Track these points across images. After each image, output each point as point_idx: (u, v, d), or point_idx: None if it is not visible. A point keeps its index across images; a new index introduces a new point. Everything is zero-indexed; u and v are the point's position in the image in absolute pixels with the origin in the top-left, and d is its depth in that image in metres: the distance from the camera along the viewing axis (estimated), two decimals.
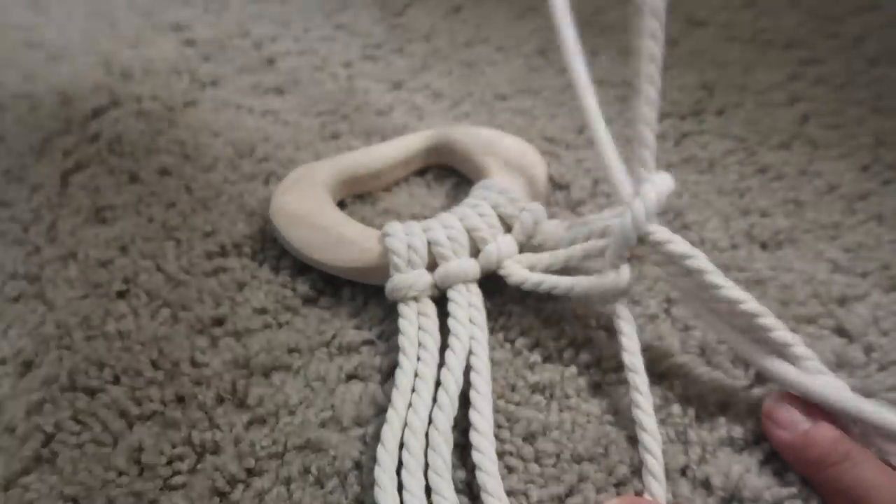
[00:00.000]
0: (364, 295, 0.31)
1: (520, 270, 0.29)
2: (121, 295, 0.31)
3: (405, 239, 0.29)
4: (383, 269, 0.29)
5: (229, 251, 0.33)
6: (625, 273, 0.26)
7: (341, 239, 0.30)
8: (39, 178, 0.38)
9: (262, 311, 0.30)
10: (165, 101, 0.43)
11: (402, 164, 0.36)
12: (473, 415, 0.25)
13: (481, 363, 0.26)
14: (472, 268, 0.29)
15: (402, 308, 0.28)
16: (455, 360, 0.26)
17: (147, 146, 0.40)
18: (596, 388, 0.27)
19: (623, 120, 0.41)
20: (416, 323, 0.28)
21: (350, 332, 0.29)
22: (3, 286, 0.32)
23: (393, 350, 0.29)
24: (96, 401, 0.27)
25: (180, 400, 0.27)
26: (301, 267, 0.32)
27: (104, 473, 0.25)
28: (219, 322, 0.30)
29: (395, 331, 0.29)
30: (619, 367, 0.27)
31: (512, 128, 0.40)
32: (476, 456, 0.24)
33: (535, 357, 0.28)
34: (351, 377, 0.28)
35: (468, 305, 0.28)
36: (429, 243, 0.29)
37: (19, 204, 0.36)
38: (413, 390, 0.25)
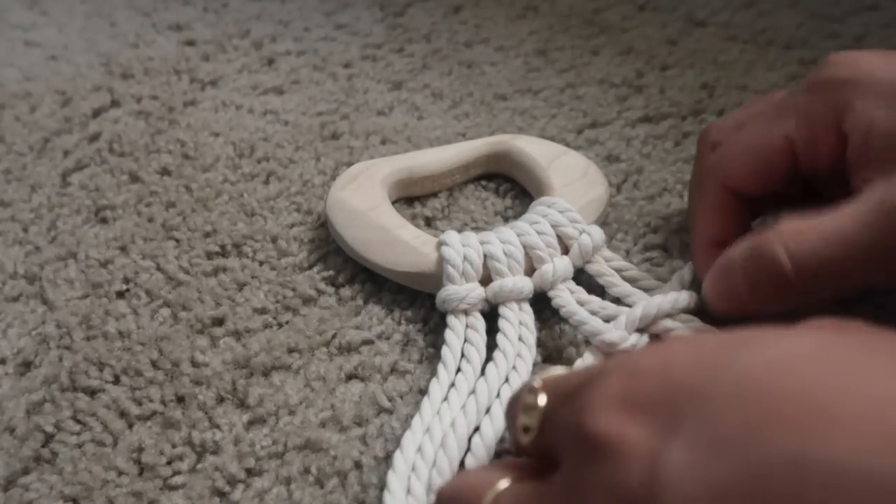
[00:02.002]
0: (364, 295, 0.31)
1: (571, 301, 0.28)
2: (121, 295, 0.31)
3: (461, 250, 0.28)
4: (437, 277, 0.29)
5: (229, 251, 0.33)
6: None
7: (398, 242, 0.30)
8: (39, 178, 0.38)
9: (262, 311, 0.30)
10: (165, 101, 0.43)
11: (462, 169, 0.35)
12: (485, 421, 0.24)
13: (520, 381, 0.26)
14: (527, 287, 0.28)
15: (450, 319, 0.28)
16: (496, 373, 0.26)
17: (147, 146, 0.40)
18: None
19: (623, 120, 0.41)
20: (462, 336, 0.27)
21: (350, 332, 0.29)
22: (3, 286, 0.32)
23: (393, 351, 0.29)
24: (96, 401, 0.27)
25: (180, 400, 0.27)
26: (301, 267, 0.32)
27: (104, 473, 0.25)
28: (219, 322, 0.30)
29: (395, 332, 0.29)
30: None
31: (512, 128, 0.40)
32: (468, 460, 0.23)
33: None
34: (351, 377, 0.28)
35: (519, 324, 0.27)
36: (485, 256, 0.28)
37: (19, 204, 0.36)
38: (445, 399, 0.25)
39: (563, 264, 0.29)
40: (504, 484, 0.19)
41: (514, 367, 0.26)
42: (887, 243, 0.21)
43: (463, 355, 0.27)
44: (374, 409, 0.26)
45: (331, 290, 0.31)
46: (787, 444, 0.12)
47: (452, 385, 0.26)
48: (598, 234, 0.30)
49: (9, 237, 0.34)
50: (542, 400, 0.19)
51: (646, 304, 0.27)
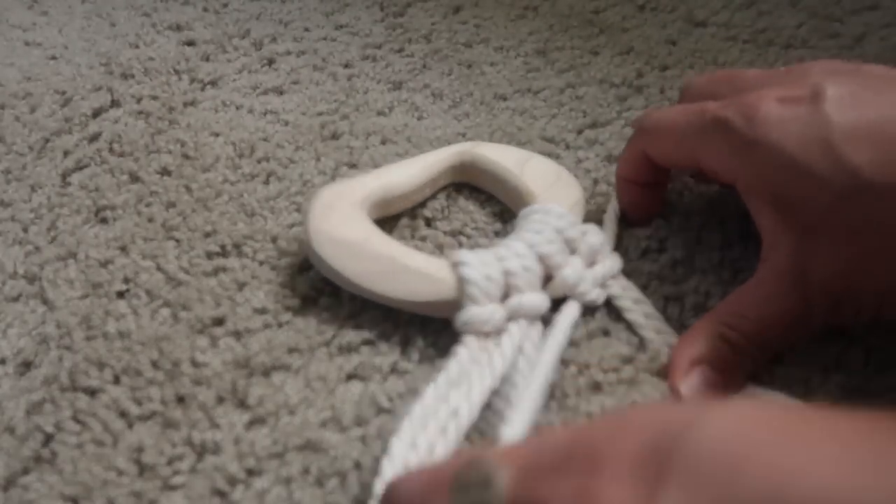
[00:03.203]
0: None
1: (597, 291, 0.29)
2: (121, 295, 0.31)
3: (482, 269, 0.27)
4: (457, 302, 0.27)
5: (229, 251, 0.33)
6: None
7: (408, 270, 0.28)
8: (39, 178, 0.38)
9: (262, 311, 0.30)
10: (165, 101, 0.43)
11: (430, 183, 0.34)
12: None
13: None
14: (543, 303, 0.28)
15: (468, 338, 0.26)
16: (478, 391, 0.25)
17: (147, 146, 0.40)
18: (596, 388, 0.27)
19: (623, 120, 0.41)
20: (475, 357, 0.26)
21: (350, 332, 0.29)
22: (3, 286, 0.32)
23: (393, 351, 0.29)
24: (96, 401, 0.27)
25: (180, 400, 0.27)
26: (301, 267, 0.32)
27: (104, 473, 0.25)
28: (219, 322, 0.30)
29: (395, 332, 0.29)
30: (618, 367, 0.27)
31: (512, 127, 0.40)
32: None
33: None
34: (351, 377, 0.28)
35: (524, 341, 0.27)
36: (504, 273, 0.27)
37: (19, 204, 0.36)
38: (435, 413, 0.25)
39: (578, 265, 0.29)
40: None
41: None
42: (801, 308, 0.25)
43: (468, 375, 0.26)
44: (374, 409, 0.26)
45: (331, 290, 0.31)
46: (762, 486, 0.14)
47: (444, 400, 0.25)
48: (599, 234, 0.30)
49: (9, 237, 0.34)
50: (501, 475, 0.17)
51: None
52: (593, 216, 0.34)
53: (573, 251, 0.29)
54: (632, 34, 0.50)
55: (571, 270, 0.28)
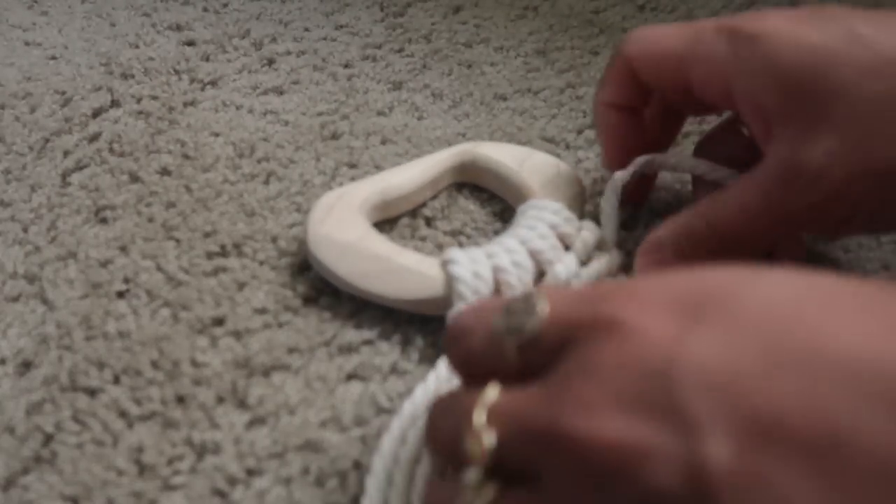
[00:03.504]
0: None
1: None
2: (121, 295, 0.31)
3: (470, 266, 0.27)
4: (447, 300, 0.28)
5: (229, 251, 0.33)
6: None
7: (401, 269, 0.29)
8: (39, 178, 0.38)
9: (262, 311, 0.30)
10: (165, 101, 0.43)
11: (431, 184, 0.35)
12: None
13: None
14: None
15: None
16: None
17: (147, 146, 0.40)
18: None
19: None
20: None
21: (350, 332, 0.29)
22: (3, 286, 0.32)
23: (393, 351, 0.29)
24: (96, 401, 0.27)
25: (180, 400, 0.27)
26: (301, 267, 0.32)
27: (104, 473, 0.25)
28: (219, 322, 0.30)
29: (395, 332, 0.29)
30: None
31: (512, 127, 0.40)
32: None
33: None
34: (351, 377, 0.28)
35: None
36: (494, 270, 0.28)
37: (19, 204, 0.36)
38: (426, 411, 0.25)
39: (572, 262, 0.29)
40: (493, 392, 0.17)
41: None
42: (787, 208, 0.24)
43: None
44: (374, 409, 0.26)
45: (331, 290, 0.31)
46: (803, 342, 0.14)
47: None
48: (595, 230, 0.30)
49: (9, 237, 0.34)
50: (542, 306, 0.18)
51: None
52: (592, 216, 0.34)
53: (568, 247, 0.29)
54: None
55: (563, 267, 0.28)
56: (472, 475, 0.17)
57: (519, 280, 0.28)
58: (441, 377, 0.26)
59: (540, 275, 0.29)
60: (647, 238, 0.28)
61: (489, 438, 0.17)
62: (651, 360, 0.15)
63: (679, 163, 0.30)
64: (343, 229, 0.30)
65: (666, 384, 0.15)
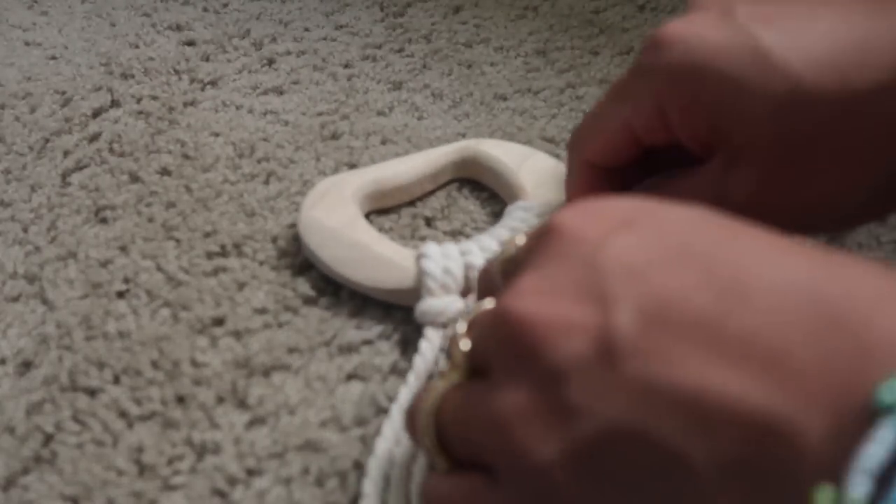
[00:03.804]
0: (364, 295, 0.31)
1: None
2: (121, 295, 0.31)
3: (441, 262, 0.28)
4: (418, 292, 0.28)
5: (229, 251, 0.33)
6: None
7: (377, 258, 0.29)
8: (39, 178, 0.38)
9: (262, 311, 0.30)
10: (165, 101, 0.43)
11: (430, 177, 0.35)
12: None
13: None
14: None
15: (427, 331, 0.27)
16: None
17: (147, 146, 0.40)
18: None
19: None
20: (437, 346, 0.27)
21: (350, 332, 0.29)
22: (3, 286, 0.32)
23: (393, 351, 0.29)
24: (96, 401, 0.27)
25: (180, 400, 0.27)
26: (301, 267, 0.32)
27: (104, 473, 0.25)
28: (219, 322, 0.30)
29: (395, 332, 0.29)
30: None
31: (512, 127, 0.40)
32: None
33: None
34: (351, 377, 0.28)
35: None
36: (465, 267, 0.28)
37: (19, 204, 0.36)
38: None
39: None
40: (445, 384, 0.20)
41: None
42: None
43: (436, 366, 0.26)
44: (374, 409, 0.26)
45: (331, 289, 0.31)
46: (704, 247, 0.17)
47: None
48: None
49: (9, 237, 0.34)
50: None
51: None
52: None
53: None
54: (632, 34, 0.50)
55: None
56: (441, 382, 0.20)
57: None
58: (420, 377, 0.26)
59: None
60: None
61: (463, 343, 0.20)
62: (580, 251, 0.18)
63: None
64: (331, 215, 0.31)
65: (589, 269, 0.17)
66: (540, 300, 0.18)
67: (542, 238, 0.20)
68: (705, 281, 0.16)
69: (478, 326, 0.20)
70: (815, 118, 0.22)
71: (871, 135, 0.22)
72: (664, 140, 0.26)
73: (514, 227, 0.29)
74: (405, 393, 0.25)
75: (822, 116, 0.22)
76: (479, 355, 0.20)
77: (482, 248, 0.28)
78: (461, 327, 0.20)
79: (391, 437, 0.24)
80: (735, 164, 0.24)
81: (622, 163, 0.27)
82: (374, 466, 0.23)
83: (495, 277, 0.22)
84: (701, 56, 0.23)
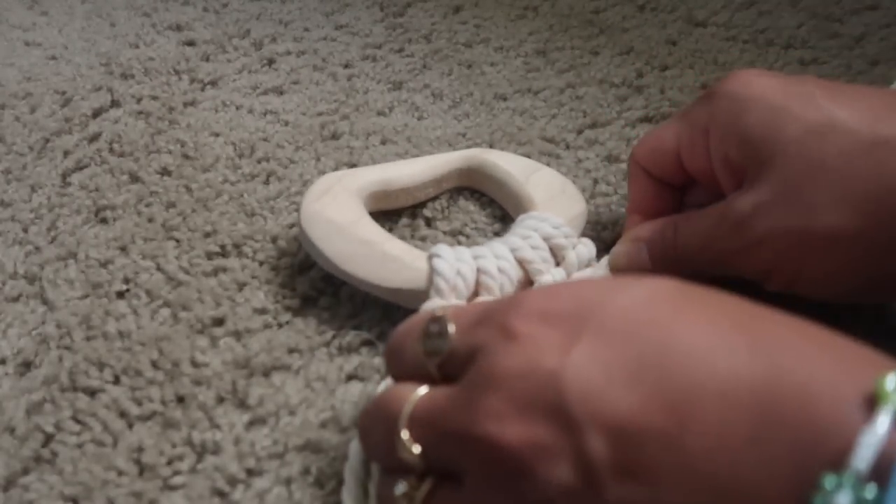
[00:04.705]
0: (364, 295, 0.31)
1: None
2: (121, 295, 0.31)
3: (455, 264, 0.27)
4: (427, 292, 0.27)
5: (229, 251, 0.33)
6: None
7: (386, 256, 0.29)
8: (39, 178, 0.38)
9: (262, 311, 0.30)
10: (165, 101, 0.43)
11: (434, 182, 0.34)
12: None
13: None
14: None
15: None
16: None
17: (147, 146, 0.40)
18: None
19: (623, 120, 0.41)
20: None
21: (350, 332, 0.29)
22: (3, 286, 0.32)
23: None
24: (96, 401, 0.27)
25: (180, 400, 0.27)
26: (301, 267, 0.32)
27: (104, 473, 0.25)
28: (219, 322, 0.30)
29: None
30: None
31: (512, 127, 0.40)
32: None
33: None
34: (351, 377, 0.28)
35: None
36: (478, 272, 0.27)
37: (19, 204, 0.36)
38: None
39: (561, 276, 0.29)
40: (422, 391, 0.20)
41: None
42: (715, 247, 0.26)
43: None
44: None
45: (331, 290, 0.31)
46: (655, 346, 0.18)
47: None
48: (591, 246, 0.30)
49: (9, 237, 0.34)
50: (451, 327, 0.21)
51: None
52: (592, 216, 0.34)
53: (560, 262, 0.29)
54: (632, 34, 0.50)
55: (550, 278, 0.28)
56: (401, 487, 0.20)
57: (500, 287, 0.27)
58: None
59: (528, 283, 0.28)
60: (630, 231, 0.29)
61: (415, 448, 0.19)
62: (541, 370, 0.18)
63: None
64: (336, 210, 0.30)
65: (554, 393, 0.17)
66: (515, 425, 0.18)
67: (493, 342, 0.19)
68: (658, 393, 0.17)
69: (432, 431, 0.19)
70: (840, 147, 0.23)
71: (888, 175, 0.23)
72: (700, 167, 0.28)
73: (525, 236, 0.29)
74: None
75: (846, 146, 0.23)
76: (441, 460, 0.19)
77: (496, 255, 0.28)
78: (405, 434, 0.20)
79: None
80: (752, 183, 0.25)
81: (668, 177, 0.30)
82: (350, 475, 0.23)
83: (432, 371, 0.21)
84: (759, 90, 0.26)
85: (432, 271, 0.27)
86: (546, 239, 0.29)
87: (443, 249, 0.28)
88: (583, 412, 0.17)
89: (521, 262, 0.28)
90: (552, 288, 0.21)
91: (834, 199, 0.24)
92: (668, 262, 0.28)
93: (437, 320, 0.21)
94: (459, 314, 0.21)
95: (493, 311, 0.20)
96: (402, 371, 0.22)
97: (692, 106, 0.28)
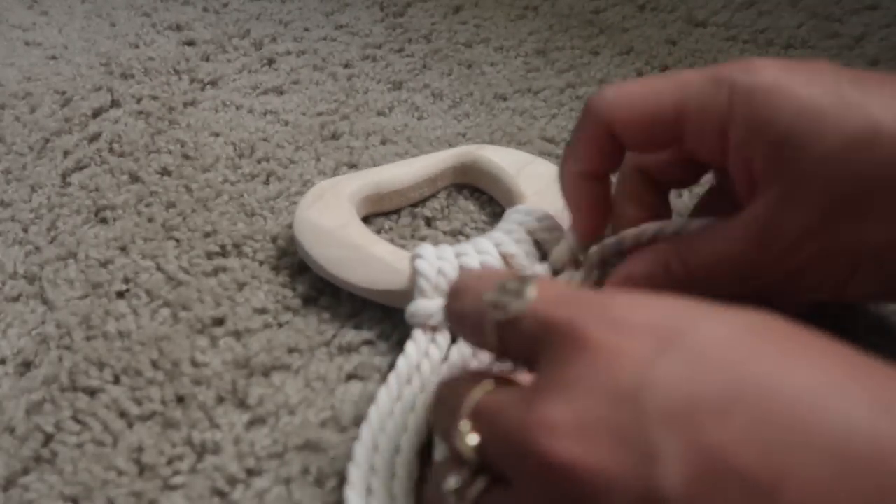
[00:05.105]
0: None
1: None
2: (121, 295, 0.31)
3: (436, 263, 0.27)
4: (412, 294, 0.28)
5: (229, 251, 0.33)
6: None
7: (372, 259, 0.29)
8: (39, 178, 0.38)
9: (262, 311, 0.30)
10: (165, 101, 0.43)
11: (429, 181, 0.35)
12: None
13: None
14: None
15: (416, 332, 0.27)
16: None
17: (147, 146, 0.40)
18: None
19: None
20: (423, 350, 0.27)
21: (350, 332, 0.29)
22: (3, 286, 0.32)
23: (393, 351, 0.29)
24: (96, 401, 0.27)
25: (180, 400, 0.27)
26: (301, 267, 0.32)
27: (104, 473, 0.25)
28: (219, 322, 0.30)
29: (394, 332, 0.29)
30: None
31: (512, 127, 0.40)
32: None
33: None
34: (351, 377, 0.28)
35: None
36: (460, 269, 0.28)
37: (19, 204, 0.36)
38: (391, 413, 0.25)
39: (545, 271, 0.28)
40: (487, 387, 0.19)
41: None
42: (761, 268, 0.23)
43: (418, 368, 0.26)
44: None
45: (331, 290, 0.31)
46: (758, 382, 0.15)
47: (398, 398, 0.25)
48: (576, 240, 0.29)
49: (9, 237, 0.34)
50: (531, 292, 0.19)
51: None
52: None
53: (545, 255, 0.29)
54: (632, 34, 0.50)
55: (533, 273, 0.28)
56: (453, 481, 0.18)
57: None
58: (402, 379, 0.26)
59: None
60: (619, 272, 0.26)
61: (471, 439, 0.18)
62: (619, 384, 0.16)
63: (643, 232, 0.27)
64: (327, 215, 0.31)
65: (632, 411, 0.15)
66: (577, 444, 0.16)
67: (568, 343, 0.17)
68: (756, 431, 0.14)
69: (491, 429, 0.18)
70: (884, 165, 0.21)
71: None
72: (710, 158, 0.25)
73: (509, 231, 0.29)
74: (384, 395, 0.25)
75: (888, 164, 0.21)
76: (491, 461, 0.18)
77: (478, 251, 0.28)
78: (464, 425, 0.18)
79: (370, 441, 0.24)
80: (793, 198, 0.22)
81: (649, 147, 0.26)
82: (355, 473, 0.23)
83: (487, 329, 0.20)
84: (785, 86, 0.22)
85: (414, 272, 0.28)
86: (531, 233, 0.29)
87: (425, 249, 0.28)
88: (663, 436, 0.15)
89: (504, 257, 0.28)
90: (639, 296, 0.18)
91: (885, 214, 0.22)
92: (673, 290, 0.25)
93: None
94: (546, 287, 0.19)
95: (576, 300, 0.18)
96: (458, 321, 0.21)
97: (699, 89, 0.24)
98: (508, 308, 0.19)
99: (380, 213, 0.34)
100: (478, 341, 0.20)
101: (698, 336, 0.16)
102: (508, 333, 0.19)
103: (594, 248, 0.27)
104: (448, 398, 0.20)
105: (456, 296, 0.21)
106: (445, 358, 0.27)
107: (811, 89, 0.22)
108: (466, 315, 0.20)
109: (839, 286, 0.24)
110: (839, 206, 0.22)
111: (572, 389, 0.16)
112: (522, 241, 0.29)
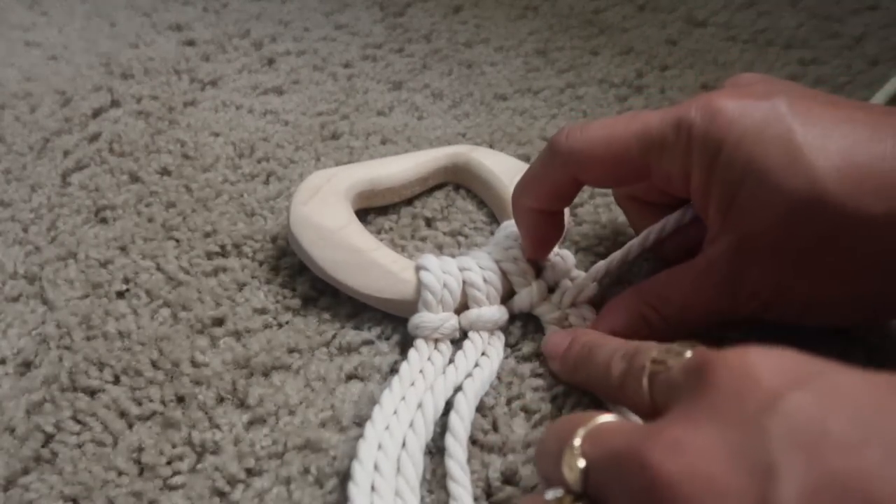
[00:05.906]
0: None
1: (552, 313, 0.29)
2: (121, 295, 0.31)
3: (442, 277, 0.28)
4: (416, 303, 0.28)
5: (229, 251, 0.33)
6: None
7: (374, 265, 0.29)
8: (39, 178, 0.38)
9: (262, 311, 0.30)
10: (165, 101, 0.43)
11: (421, 180, 0.35)
12: (448, 438, 0.24)
13: (464, 405, 0.25)
14: (502, 317, 0.28)
15: (418, 342, 0.27)
16: (442, 386, 0.26)
17: (147, 146, 0.40)
18: None
19: None
20: (426, 356, 0.27)
21: (350, 332, 0.29)
22: (3, 286, 0.32)
23: (393, 351, 0.29)
24: (96, 401, 0.27)
25: (180, 400, 0.27)
26: (301, 267, 0.32)
27: (104, 473, 0.25)
28: (219, 322, 0.30)
29: (394, 332, 0.29)
30: None
31: (512, 127, 0.40)
32: (451, 486, 0.23)
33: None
34: (351, 377, 0.28)
35: (482, 353, 0.27)
36: (464, 283, 0.28)
37: (19, 204, 0.36)
38: (395, 412, 0.25)
39: (540, 287, 0.29)
40: (602, 419, 0.19)
41: (460, 388, 0.26)
42: (725, 304, 0.25)
43: (421, 371, 0.26)
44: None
45: (331, 290, 0.31)
46: (889, 412, 0.14)
47: (403, 399, 0.25)
48: (570, 257, 0.30)
49: (9, 237, 0.34)
50: (689, 354, 0.19)
51: None
52: (591, 216, 0.34)
53: (539, 272, 0.30)
54: (632, 34, 0.50)
55: (527, 293, 0.29)
56: (552, 494, 0.18)
57: (487, 297, 0.28)
58: (404, 383, 0.26)
59: (511, 293, 0.29)
60: (600, 325, 0.27)
61: (580, 461, 0.18)
62: (745, 408, 0.15)
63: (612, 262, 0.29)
64: (326, 214, 0.30)
65: (753, 430, 0.15)
66: (691, 462, 0.15)
67: (703, 378, 0.17)
68: (890, 465, 0.14)
69: (602, 449, 0.18)
70: (826, 227, 0.22)
71: (871, 254, 0.22)
72: (678, 194, 0.26)
73: (507, 247, 0.29)
74: (388, 398, 0.25)
75: (832, 227, 0.22)
76: (595, 489, 0.18)
77: (481, 267, 0.28)
78: (577, 442, 0.18)
79: (374, 440, 0.24)
80: (749, 252, 0.24)
81: (621, 181, 0.28)
82: (360, 472, 0.23)
83: (641, 387, 0.20)
84: (737, 133, 0.23)
85: (420, 284, 0.28)
86: (524, 251, 0.29)
87: (430, 262, 0.28)
88: (785, 456, 0.14)
89: (503, 273, 0.29)
90: (773, 349, 0.18)
91: (833, 271, 0.23)
92: (654, 335, 0.25)
93: (679, 348, 0.20)
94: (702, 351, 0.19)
95: (714, 353, 0.18)
96: (594, 372, 0.23)
97: (659, 129, 0.25)
98: (666, 363, 0.19)
99: (380, 208, 0.35)
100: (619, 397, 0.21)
101: (835, 378, 0.16)
102: (662, 382, 0.19)
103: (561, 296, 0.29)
104: (560, 428, 0.20)
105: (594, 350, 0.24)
106: (451, 361, 0.27)
107: (762, 146, 0.23)
108: (609, 379, 0.22)
109: (804, 318, 0.25)
110: (788, 264, 0.23)
111: (694, 412, 0.16)
112: (518, 260, 0.29)
